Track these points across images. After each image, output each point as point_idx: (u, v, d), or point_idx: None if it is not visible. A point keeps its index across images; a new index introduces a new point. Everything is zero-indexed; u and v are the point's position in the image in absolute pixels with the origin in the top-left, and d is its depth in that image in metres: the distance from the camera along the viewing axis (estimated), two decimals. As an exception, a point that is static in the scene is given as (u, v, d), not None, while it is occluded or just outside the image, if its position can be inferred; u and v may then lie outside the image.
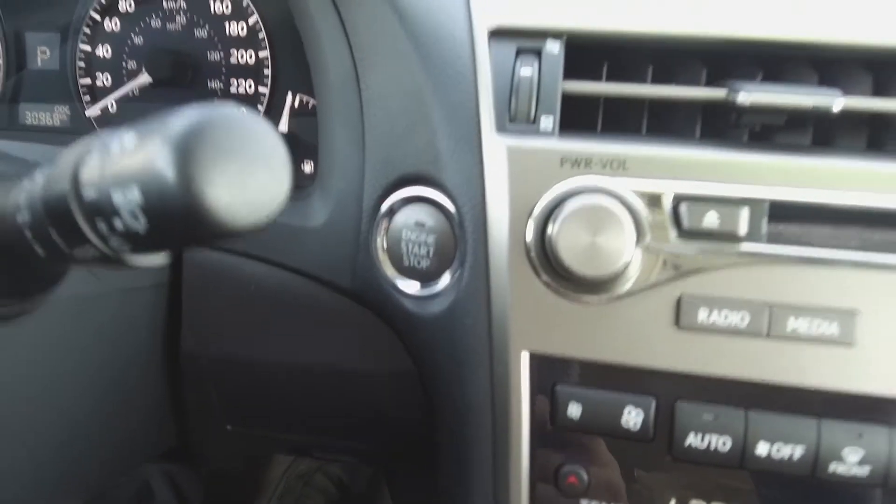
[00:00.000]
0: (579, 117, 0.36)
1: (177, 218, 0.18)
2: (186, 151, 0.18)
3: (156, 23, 0.53)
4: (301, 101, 0.51)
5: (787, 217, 0.32)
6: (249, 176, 0.19)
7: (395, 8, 0.37)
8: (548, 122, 0.34)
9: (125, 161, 0.19)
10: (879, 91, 0.35)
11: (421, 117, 0.36)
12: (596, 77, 0.37)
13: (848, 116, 0.33)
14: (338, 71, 0.39)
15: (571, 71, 0.35)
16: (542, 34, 0.35)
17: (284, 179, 0.19)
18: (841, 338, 0.31)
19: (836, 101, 0.32)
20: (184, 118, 0.19)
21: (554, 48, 0.35)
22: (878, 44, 0.33)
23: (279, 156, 0.19)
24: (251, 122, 0.19)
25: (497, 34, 0.36)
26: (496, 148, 0.34)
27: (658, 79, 0.37)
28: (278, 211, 0.20)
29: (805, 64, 0.35)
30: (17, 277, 0.27)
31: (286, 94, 0.52)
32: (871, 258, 0.31)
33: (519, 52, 0.35)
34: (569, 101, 0.35)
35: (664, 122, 0.37)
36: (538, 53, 0.35)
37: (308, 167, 0.51)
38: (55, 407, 0.37)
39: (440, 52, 0.36)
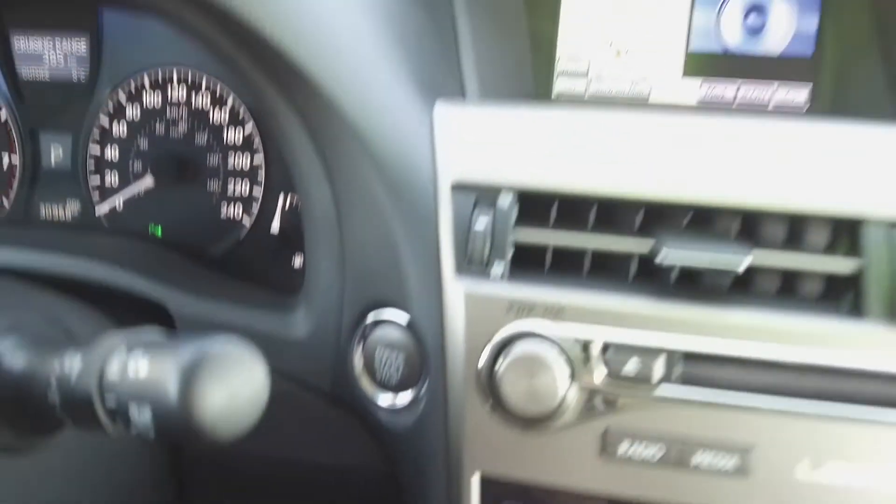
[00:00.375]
0: (534, 255, 0.42)
1: (179, 432, 0.24)
2: (189, 387, 0.24)
3: (160, 129, 0.59)
4: (293, 200, 0.57)
5: (699, 362, 0.38)
6: (236, 399, 0.24)
7: (372, 160, 0.42)
8: (499, 268, 0.40)
9: (140, 383, 0.25)
10: (793, 240, 0.41)
11: (392, 256, 0.42)
12: (546, 220, 0.42)
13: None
14: (321, 207, 0.45)
15: (524, 216, 0.41)
16: (497, 189, 0.41)
17: (263, 398, 0.25)
18: (739, 470, 0.36)
19: (744, 261, 0.37)
20: (187, 354, 0.24)
21: (506, 201, 0.40)
22: (792, 207, 0.39)
23: (260, 381, 0.25)
24: (241, 356, 0.25)
25: (458, 187, 0.41)
26: (454, 290, 0.40)
27: (602, 219, 0.43)
28: (256, 419, 0.25)
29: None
30: (34, 424, 0.33)
31: (279, 195, 0.57)
32: (767, 402, 0.37)
33: (477, 203, 0.41)
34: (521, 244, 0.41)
35: (605, 261, 0.42)
36: (494, 205, 0.41)
37: (298, 261, 0.57)
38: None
39: (410, 201, 0.42)
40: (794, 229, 0.42)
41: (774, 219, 0.41)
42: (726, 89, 0.75)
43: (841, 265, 0.38)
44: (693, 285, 0.40)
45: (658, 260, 0.38)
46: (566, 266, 0.43)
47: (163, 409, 0.24)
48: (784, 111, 0.73)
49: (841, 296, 0.39)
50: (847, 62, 0.70)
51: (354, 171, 0.43)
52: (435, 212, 0.41)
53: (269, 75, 0.42)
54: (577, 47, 0.76)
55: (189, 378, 0.23)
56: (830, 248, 0.40)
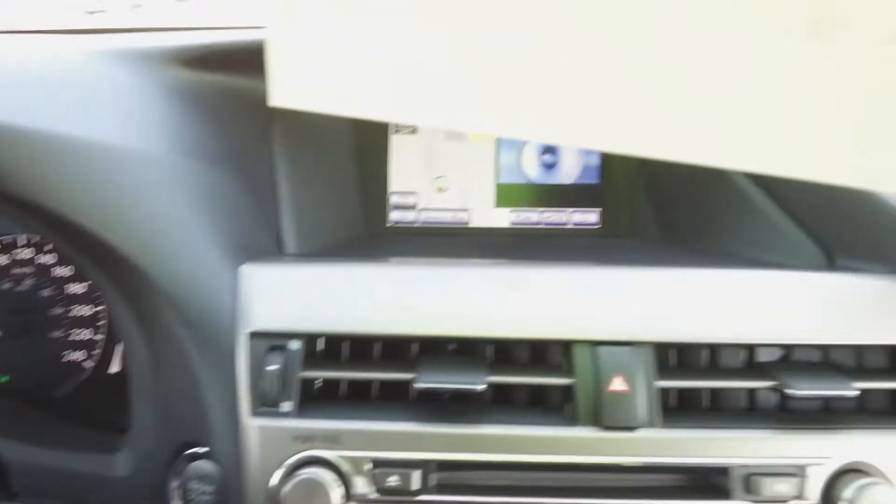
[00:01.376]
0: (331, 387, 0.50)
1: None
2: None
3: (7, 285, 0.64)
4: (132, 344, 0.63)
5: (451, 471, 0.46)
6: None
7: (181, 319, 0.50)
8: (287, 406, 0.47)
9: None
10: (537, 359, 0.51)
11: (197, 400, 0.49)
12: (337, 358, 0.51)
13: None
14: (139, 355, 0.52)
15: (315, 356, 0.50)
16: (287, 336, 0.49)
17: None
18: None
19: (481, 383, 0.47)
20: None
21: (294, 346, 0.49)
22: (527, 335, 0.49)
23: None
24: None
25: (254, 335, 0.49)
26: (250, 426, 0.47)
27: (387, 352, 0.51)
28: None
29: None
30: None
31: (119, 341, 0.64)
32: (509, 500, 0.46)
33: (270, 349, 0.49)
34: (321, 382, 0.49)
35: (392, 387, 0.51)
36: (284, 349, 0.49)
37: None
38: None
39: (214, 351, 0.49)
40: (540, 352, 0.52)
41: (519, 344, 0.51)
42: (532, 214, 0.88)
43: (559, 380, 0.48)
44: (463, 403, 0.49)
45: (416, 386, 0.46)
46: (362, 395, 0.51)
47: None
48: (581, 230, 0.85)
49: (562, 403, 0.49)
50: (624, 189, 0.84)
51: (165, 328, 0.50)
52: (234, 359, 0.49)
53: (80, 250, 0.50)
54: (405, 185, 0.87)
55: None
56: (562, 368, 0.50)
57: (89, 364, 0.63)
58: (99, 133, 0.51)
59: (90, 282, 0.62)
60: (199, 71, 0.65)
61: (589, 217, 0.87)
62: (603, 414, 0.46)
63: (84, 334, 0.63)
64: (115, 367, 0.63)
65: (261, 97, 0.69)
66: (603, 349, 0.48)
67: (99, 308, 0.63)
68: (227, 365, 0.49)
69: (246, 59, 0.67)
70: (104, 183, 0.49)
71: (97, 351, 0.63)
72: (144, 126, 0.56)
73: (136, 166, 0.52)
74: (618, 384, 0.47)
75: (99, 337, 0.63)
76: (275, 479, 0.46)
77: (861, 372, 0.52)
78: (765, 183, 0.69)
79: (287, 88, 0.31)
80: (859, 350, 0.53)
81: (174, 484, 0.50)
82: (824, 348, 0.52)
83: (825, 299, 0.53)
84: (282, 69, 0.31)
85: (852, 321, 0.51)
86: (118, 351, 0.63)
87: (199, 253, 0.51)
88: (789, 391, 0.46)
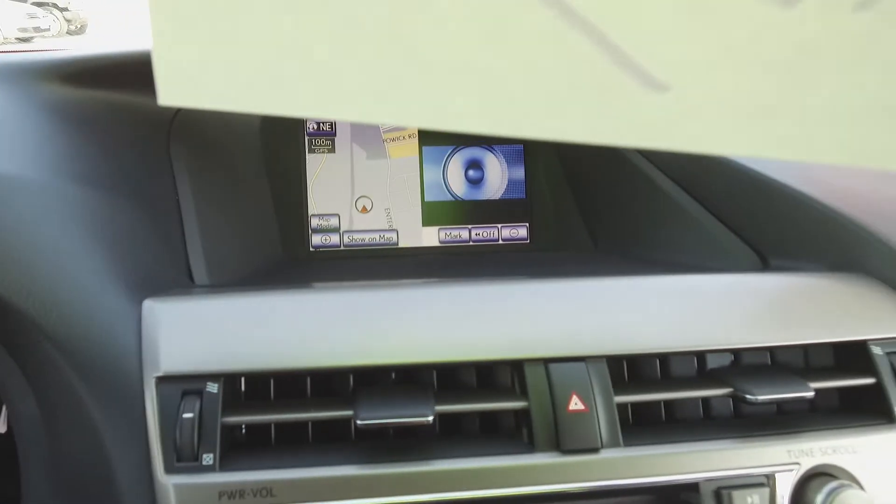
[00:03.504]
0: (262, 434, 0.44)
1: None
2: None
3: None
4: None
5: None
6: None
7: (75, 367, 0.43)
8: (209, 458, 0.41)
9: None
10: (483, 382, 0.47)
11: (101, 459, 0.42)
12: (264, 399, 0.45)
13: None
14: (27, 418, 0.44)
15: (246, 397, 0.44)
16: (203, 378, 0.43)
17: None
18: None
19: (430, 413, 0.42)
20: None
21: (213, 389, 0.42)
22: (474, 357, 0.45)
23: None
24: None
25: (164, 380, 0.43)
26: (165, 486, 0.40)
27: (318, 388, 0.46)
28: None
29: None
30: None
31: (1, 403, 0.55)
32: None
33: (184, 395, 0.42)
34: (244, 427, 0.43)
35: (328, 427, 0.45)
36: (201, 394, 0.43)
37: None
38: None
39: (115, 401, 0.42)
40: (486, 375, 0.48)
41: (465, 368, 0.47)
42: (461, 232, 0.84)
43: (512, 404, 0.45)
44: (409, 437, 0.44)
45: (359, 423, 0.41)
46: (294, 438, 0.45)
47: None
48: (512, 245, 0.82)
49: (522, 431, 0.45)
50: (551, 202, 0.82)
51: (54, 377, 0.43)
52: (142, 409, 0.42)
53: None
54: (326, 206, 0.82)
55: None
56: (512, 390, 0.46)
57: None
58: None
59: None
60: (82, 87, 0.58)
61: (518, 232, 0.85)
62: (562, 437, 0.43)
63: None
64: (1, 428, 0.54)
65: (156, 115, 0.63)
66: (555, 367, 0.45)
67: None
68: (134, 416, 0.42)
69: (135, 74, 0.61)
70: None
71: (-24, 411, 0.54)
72: (19, 148, 0.49)
73: (9, 192, 0.45)
74: (575, 403, 0.44)
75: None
76: (200, 547, 0.39)
77: (810, 371, 0.51)
78: (694, 189, 0.69)
79: (177, 84, 0.25)
80: (805, 349, 0.52)
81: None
82: (771, 350, 0.51)
83: (767, 301, 0.52)
84: (169, 60, 0.25)
85: (796, 321, 0.51)
86: (3, 413, 0.54)
87: (93, 289, 0.45)
88: (749, 397, 0.44)
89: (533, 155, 0.82)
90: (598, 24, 0.22)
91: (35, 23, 9.39)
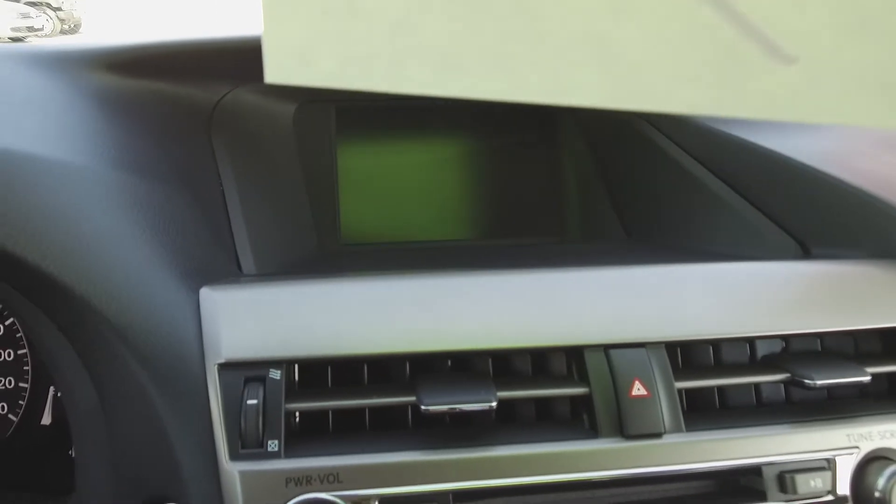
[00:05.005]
0: (318, 420, 0.44)
1: None
2: None
3: None
4: (64, 390, 0.54)
5: (468, 500, 0.41)
6: None
7: (134, 353, 0.42)
8: (273, 445, 0.41)
9: None
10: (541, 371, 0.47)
11: (164, 447, 0.42)
12: (322, 386, 0.45)
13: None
14: (85, 402, 0.44)
15: (299, 385, 0.43)
16: (265, 364, 0.43)
17: None
18: None
19: (493, 399, 0.42)
20: None
21: (275, 375, 0.42)
22: (529, 343, 0.45)
23: None
24: None
25: (226, 367, 0.42)
26: (231, 473, 0.40)
27: (375, 377, 0.46)
28: None
29: None
30: None
31: (48, 387, 0.54)
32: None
33: (246, 381, 0.42)
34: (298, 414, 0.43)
35: (387, 414, 0.45)
36: (263, 380, 0.42)
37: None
38: None
39: (178, 389, 0.42)
40: (538, 362, 0.48)
41: (520, 356, 0.47)
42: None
43: (574, 390, 0.44)
44: (466, 425, 0.44)
45: (423, 409, 0.41)
46: (351, 425, 0.45)
47: None
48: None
49: (581, 417, 0.45)
50: (580, 192, 0.82)
51: (116, 366, 0.42)
52: (205, 397, 0.42)
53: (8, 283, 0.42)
54: (357, 203, 0.81)
55: None
56: (569, 376, 0.46)
57: (14, 417, 0.54)
58: (13, 140, 0.43)
59: (9, 321, 0.53)
60: (128, 76, 0.58)
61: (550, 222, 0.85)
62: (625, 422, 0.43)
63: (5, 383, 0.54)
64: (47, 418, 0.53)
65: (199, 106, 0.63)
66: (616, 352, 0.45)
67: (21, 352, 0.54)
68: (196, 404, 0.42)
69: (179, 64, 0.60)
70: (27, 197, 0.41)
71: (22, 402, 0.53)
72: (71, 135, 0.49)
73: (65, 179, 0.44)
74: (638, 389, 0.44)
75: (24, 385, 0.54)
76: (269, 532, 0.39)
77: (860, 357, 0.51)
78: (729, 177, 0.69)
79: (285, 61, 0.25)
80: (854, 336, 0.52)
81: (138, 551, 0.42)
82: (821, 336, 0.51)
83: (813, 288, 0.52)
84: (278, 37, 0.25)
85: (843, 308, 0.51)
86: (50, 399, 0.54)
87: (150, 276, 0.44)
88: (808, 382, 0.45)
89: (561, 145, 0.82)
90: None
91: (28, 22, 9.33)
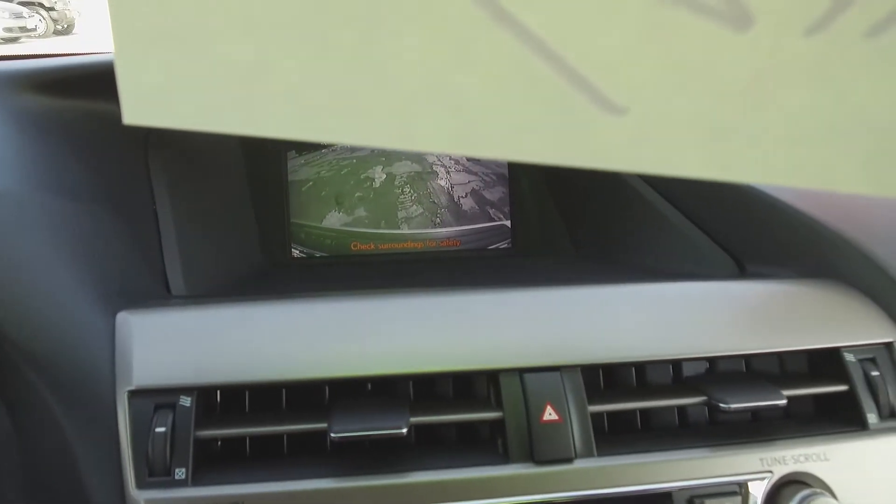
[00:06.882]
0: (237, 448, 0.44)
1: None
2: None
3: None
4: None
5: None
6: None
7: (41, 374, 0.42)
8: (181, 472, 0.41)
9: None
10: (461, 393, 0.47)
11: (75, 476, 0.42)
12: (238, 412, 0.45)
13: None
14: (1, 435, 0.43)
15: (221, 410, 0.44)
16: (176, 391, 0.43)
17: None
18: None
19: (404, 425, 0.42)
20: None
21: (185, 403, 0.42)
22: (449, 368, 0.45)
23: None
24: None
25: (136, 393, 0.42)
26: (138, 501, 0.40)
27: (294, 400, 0.46)
28: None
29: None
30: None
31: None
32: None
33: (157, 408, 0.42)
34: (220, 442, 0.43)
35: (302, 440, 0.45)
36: (174, 407, 0.42)
37: None
38: None
39: (87, 415, 0.42)
40: (464, 385, 0.48)
41: (442, 379, 0.47)
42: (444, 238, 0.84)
43: (487, 415, 0.45)
44: (385, 449, 0.44)
45: (332, 436, 0.41)
46: (270, 450, 0.45)
47: None
48: (494, 250, 0.82)
49: (492, 437, 0.45)
50: (533, 207, 0.83)
51: (27, 392, 0.43)
52: (114, 424, 0.42)
53: None
54: (307, 214, 0.81)
55: None
56: (488, 400, 0.47)
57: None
58: None
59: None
60: (57, 97, 0.58)
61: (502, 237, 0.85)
62: (536, 448, 0.43)
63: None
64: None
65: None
66: (530, 376, 0.45)
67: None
68: (107, 431, 0.42)
69: (112, 82, 0.60)
70: None
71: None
72: None
73: None
74: (549, 413, 0.44)
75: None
76: (171, 562, 0.39)
77: (784, 378, 0.51)
78: (674, 196, 0.69)
79: (142, 102, 0.25)
80: (780, 357, 0.52)
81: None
82: (746, 358, 0.52)
83: (742, 308, 0.52)
84: (133, 79, 0.25)
85: (771, 328, 0.51)
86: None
87: (65, 301, 0.44)
88: (723, 405, 0.45)
89: (516, 163, 0.82)
90: (555, 48, 0.22)
91: (21, 23, 9.30)
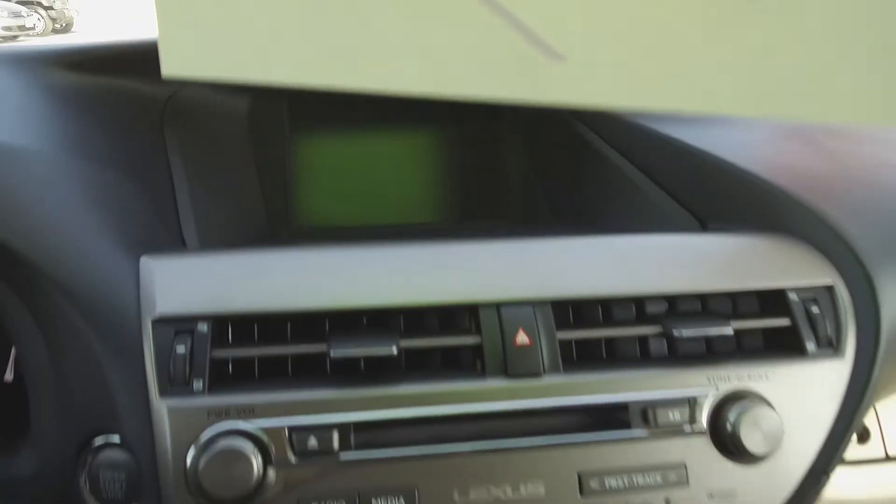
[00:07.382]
0: (247, 370, 0.51)
1: None
2: None
3: None
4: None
5: (369, 430, 0.47)
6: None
7: (80, 311, 0.48)
8: (198, 384, 0.47)
9: None
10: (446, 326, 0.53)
11: (104, 390, 0.48)
12: (248, 338, 0.51)
13: None
14: (36, 355, 0.50)
15: (225, 337, 0.50)
16: (194, 319, 0.49)
17: None
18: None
19: (393, 348, 0.48)
20: None
21: (202, 328, 0.48)
22: (433, 301, 0.51)
23: None
24: None
25: (159, 321, 0.49)
26: (160, 407, 0.47)
27: (297, 333, 0.52)
28: None
29: None
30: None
31: (10, 346, 0.60)
32: (425, 449, 0.47)
33: (177, 333, 0.48)
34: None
35: (306, 364, 0.51)
36: (192, 332, 0.48)
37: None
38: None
39: (117, 340, 0.48)
40: (448, 319, 0.54)
41: (429, 315, 0.54)
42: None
43: (467, 339, 0.51)
44: (378, 372, 0.51)
45: (331, 355, 0.47)
46: (277, 373, 0.51)
47: None
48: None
49: (474, 362, 0.52)
50: (519, 181, 0.88)
51: (65, 322, 0.49)
52: (139, 345, 0.48)
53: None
54: (309, 191, 0.87)
55: None
56: (468, 330, 0.53)
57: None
58: None
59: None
60: (84, 74, 0.64)
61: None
62: (509, 365, 0.49)
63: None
64: (9, 376, 0.59)
65: (151, 99, 0.69)
66: (506, 308, 0.51)
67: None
68: (133, 353, 0.48)
69: (133, 61, 0.67)
70: None
71: (-13, 361, 0.59)
72: (28, 125, 0.55)
73: (22, 163, 0.51)
74: (522, 338, 0.50)
75: (-12, 347, 0.60)
76: (189, 456, 0.45)
77: (737, 317, 0.57)
78: (643, 164, 0.75)
79: (179, 57, 0.32)
80: (734, 298, 0.58)
81: (83, 477, 0.49)
82: (703, 299, 0.58)
83: (700, 256, 0.58)
84: (172, 35, 0.31)
85: (724, 274, 0.57)
86: (12, 357, 0.60)
87: (96, 246, 0.51)
88: (675, 332, 0.51)
89: (504, 140, 0.89)
90: (507, 5, 0.28)
91: (20, 21, 9.34)
